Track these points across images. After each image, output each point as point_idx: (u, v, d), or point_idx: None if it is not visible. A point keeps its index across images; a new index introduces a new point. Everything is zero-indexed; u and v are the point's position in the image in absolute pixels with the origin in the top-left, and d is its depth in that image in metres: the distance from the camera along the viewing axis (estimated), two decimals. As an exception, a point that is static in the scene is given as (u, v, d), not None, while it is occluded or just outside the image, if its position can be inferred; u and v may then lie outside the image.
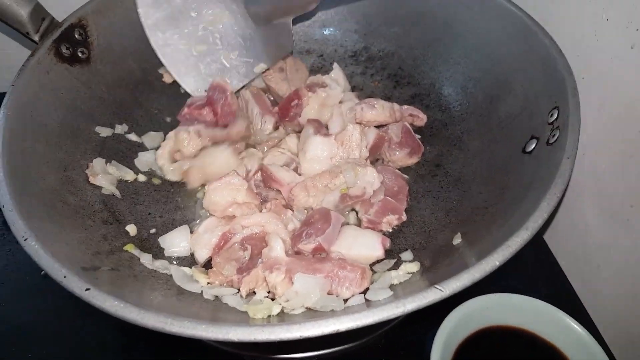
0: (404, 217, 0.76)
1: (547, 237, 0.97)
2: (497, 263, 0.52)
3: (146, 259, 0.69)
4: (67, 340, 0.80)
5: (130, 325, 0.79)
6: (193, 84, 0.90)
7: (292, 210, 0.77)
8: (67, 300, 0.83)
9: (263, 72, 0.94)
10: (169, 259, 0.73)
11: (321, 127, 0.83)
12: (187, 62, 0.88)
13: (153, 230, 0.77)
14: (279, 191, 0.78)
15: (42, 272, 0.87)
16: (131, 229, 0.75)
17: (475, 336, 0.73)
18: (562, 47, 0.75)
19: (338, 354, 0.77)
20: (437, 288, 0.50)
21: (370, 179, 0.75)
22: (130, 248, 0.70)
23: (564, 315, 0.72)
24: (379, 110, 0.85)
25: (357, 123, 0.84)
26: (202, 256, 0.70)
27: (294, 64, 0.97)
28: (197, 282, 0.67)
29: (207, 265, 0.71)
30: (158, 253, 0.73)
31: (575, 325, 0.71)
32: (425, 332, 0.78)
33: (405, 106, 0.90)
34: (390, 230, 0.76)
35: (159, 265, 0.69)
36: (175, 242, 0.73)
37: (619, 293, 0.81)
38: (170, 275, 0.68)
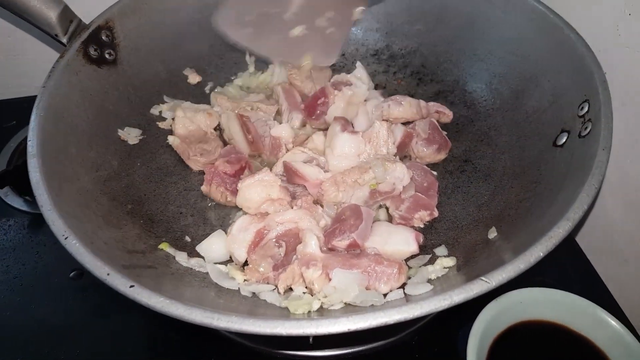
0: (436, 213, 0.76)
1: (574, 232, 0.96)
2: (541, 254, 0.52)
3: (181, 257, 0.70)
4: (96, 342, 0.80)
5: (160, 325, 0.81)
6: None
7: (322, 207, 0.77)
8: (95, 301, 0.85)
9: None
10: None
11: (348, 125, 0.83)
12: (286, 48, 0.88)
13: (188, 239, 0.76)
14: (304, 187, 0.78)
15: (71, 273, 0.89)
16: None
17: (510, 330, 0.73)
18: (585, 40, 0.75)
19: (371, 351, 0.77)
20: (483, 280, 0.50)
21: (399, 175, 0.76)
22: (165, 247, 0.71)
23: (597, 309, 0.72)
24: (405, 106, 0.85)
25: (384, 120, 0.84)
26: (240, 256, 0.70)
27: None
28: (234, 279, 0.67)
29: (244, 264, 0.71)
30: (192, 251, 0.73)
31: (609, 319, 0.71)
32: (456, 328, 0.78)
33: (432, 103, 0.90)
34: (422, 226, 0.76)
35: (195, 263, 0.70)
36: (214, 248, 0.72)
37: None
38: (206, 273, 0.68)
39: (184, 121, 0.86)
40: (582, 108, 0.70)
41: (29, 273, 0.89)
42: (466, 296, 0.49)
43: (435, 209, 0.76)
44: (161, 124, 0.90)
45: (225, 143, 0.89)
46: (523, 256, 0.52)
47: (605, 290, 0.86)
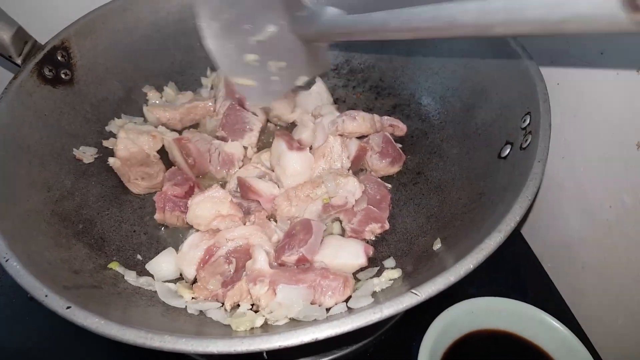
0: (387, 226, 0.77)
1: (530, 240, 0.98)
2: (471, 266, 0.53)
3: (130, 276, 0.70)
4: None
5: (125, 346, 0.80)
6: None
7: (276, 222, 0.78)
8: (53, 323, 0.84)
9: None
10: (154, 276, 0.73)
11: (292, 141, 0.83)
12: (238, 67, 0.87)
13: (139, 257, 0.76)
14: (258, 203, 0.79)
15: (28, 294, 0.89)
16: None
17: (462, 341, 0.74)
18: (536, 54, 0.77)
19: (326, 364, 0.78)
20: (413, 292, 0.51)
21: (351, 188, 0.77)
22: (114, 266, 0.71)
23: (548, 317, 0.74)
24: (360, 121, 0.86)
25: (338, 135, 0.85)
26: (190, 273, 0.71)
27: None
28: (182, 297, 0.68)
29: (195, 281, 0.72)
30: (143, 270, 0.73)
31: (560, 326, 0.73)
32: (412, 339, 0.78)
33: (386, 117, 0.92)
34: (374, 238, 0.77)
35: (144, 282, 0.70)
36: (163, 267, 0.72)
37: (603, 293, 0.82)
38: (155, 292, 0.68)
39: (125, 142, 0.86)
40: (525, 120, 0.72)
41: (-14, 295, 0.89)
42: (396, 309, 0.50)
43: (387, 222, 0.77)
44: (106, 142, 0.89)
45: (170, 165, 0.89)
46: (453, 268, 0.53)
47: (559, 297, 0.88)
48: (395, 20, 0.56)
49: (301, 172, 0.80)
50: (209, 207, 0.74)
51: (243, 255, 0.72)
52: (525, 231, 0.99)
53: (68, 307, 0.53)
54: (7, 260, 0.58)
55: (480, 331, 0.75)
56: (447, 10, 0.48)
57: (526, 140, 0.69)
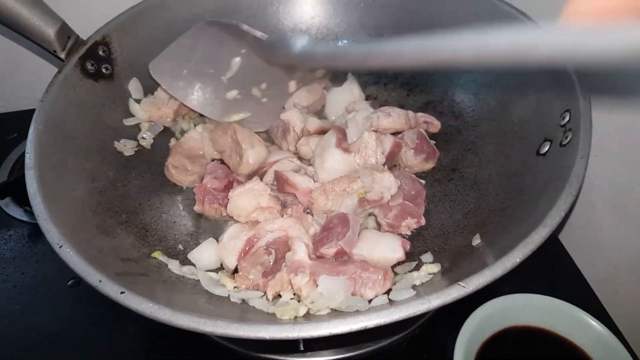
0: (423, 221, 0.78)
1: (563, 238, 0.98)
2: (518, 260, 0.53)
3: (174, 265, 0.72)
4: (94, 349, 0.82)
5: (157, 332, 0.83)
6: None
7: (312, 215, 0.79)
8: (93, 309, 0.87)
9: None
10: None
11: (344, 140, 0.84)
12: (226, 108, 0.89)
13: (181, 247, 0.78)
14: (295, 196, 0.80)
15: (69, 282, 0.91)
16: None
17: (497, 336, 0.74)
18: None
19: (362, 356, 0.79)
20: (460, 285, 0.52)
21: (387, 184, 0.77)
22: (158, 255, 0.73)
23: (583, 314, 0.73)
24: (394, 117, 0.87)
25: (373, 131, 0.86)
26: (231, 263, 0.72)
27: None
28: (224, 286, 0.69)
29: (235, 271, 0.73)
30: (185, 259, 0.75)
31: (595, 323, 0.73)
32: (447, 334, 0.79)
33: (420, 113, 0.92)
34: (409, 233, 0.78)
35: (186, 270, 0.72)
36: (205, 256, 0.74)
37: (635, 290, 0.82)
38: (198, 280, 0.70)
39: (196, 136, 0.90)
40: (564, 117, 0.72)
41: (28, 282, 0.91)
42: (444, 300, 0.51)
43: (422, 217, 0.78)
44: (142, 142, 0.91)
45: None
46: (500, 262, 0.53)
47: (593, 295, 0.88)
48: (376, 56, 0.53)
49: (338, 172, 0.81)
50: (249, 199, 0.75)
51: (282, 246, 0.73)
52: (557, 229, 0.99)
53: (122, 292, 0.55)
54: (60, 247, 0.60)
55: (516, 327, 0.75)
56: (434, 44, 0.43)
57: (566, 137, 0.69)
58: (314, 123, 0.92)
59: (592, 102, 0.70)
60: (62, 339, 0.83)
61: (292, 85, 0.91)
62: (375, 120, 0.87)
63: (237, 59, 0.78)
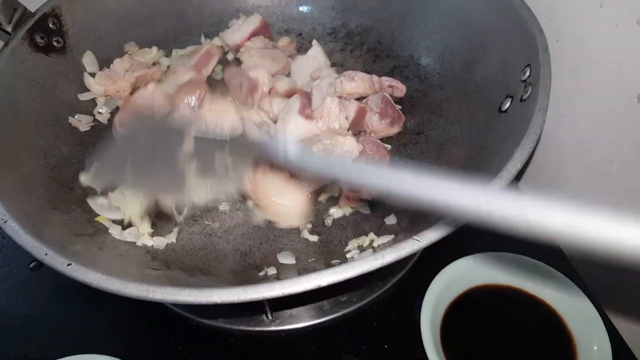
0: None
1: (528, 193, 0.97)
2: (474, 213, 0.52)
3: (115, 230, 0.70)
4: (57, 331, 0.80)
5: (122, 311, 0.81)
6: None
7: None
8: (55, 292, 0.85)
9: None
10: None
11: (308, 106, 0.82)
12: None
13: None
14: None
15: (30, 264, 0.89)
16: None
17: (465, 296, 0.74)
18: (534, 10, 0.75)
19: (330, 322, 0.78)
20: (414, 239, 0.50)
21: (349, 148, 0.76)
22: (102, 220, 0.71)
23: (549, 268, 0.74)
24: (358, 82, 0.85)
25: (337, 97, 0.84)
26: None
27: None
28: None
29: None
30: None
31: (560, 276, 0.73)
32: (416, 296, 0.78)
33: (385, 77, 0.90)
34: (370, 199, 0.77)
35: (127, 234, 0.71)
36: None
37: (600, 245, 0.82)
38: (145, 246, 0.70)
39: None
40: (525, 73, 0.71)
41: (-13, 266, 0.89)
42: (398, 255, 0.50)
43: None
44: (99, 117, 0.88)
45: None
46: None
47: (561, 253, 0.88)
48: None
49: (299, 137, 0.79)
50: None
51: None
52: (527, 189, 0.98)
53: (69, 264, 0.53)
54: (5, 222, 0.57)
55: (483, 286, 0.75)
56: None
57: (526, 91, 0.68)
58: (284, 84, 0.89)
59: (557, 61, 0.68)
60: (24, 323, 0.81)
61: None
62: (338, 86, 0.85)
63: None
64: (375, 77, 0.88)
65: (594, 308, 0.70)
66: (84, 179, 0.75)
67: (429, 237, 0.51)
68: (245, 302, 0.49)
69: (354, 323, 0.78)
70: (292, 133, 0.79)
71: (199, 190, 0.68)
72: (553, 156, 0.92)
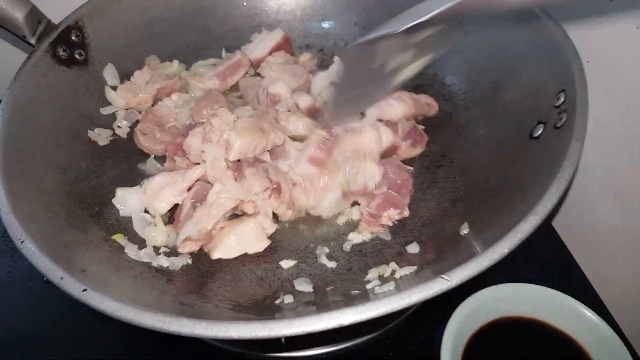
0: (406, 213, 0.74)
1: (557, 225, 0.94)
2: (506, 250, 0.50)
3: (131, 249, 0.69)
4: (71, 347, 0.80)
5: (138, 330, 0.80)
6: None
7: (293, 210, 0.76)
8: (69, 306, 0.84)
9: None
10: (156, 249, 0.72)
11: (318, 155, 0.76)
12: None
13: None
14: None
15: (44, 278, 0.88)
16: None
17: (487, 328, 0.72)
18: (565, 30, 0.72)
19: (346, 350, 0.76)
20: (443, 278, 0.48)
21: (371, 173, 0.73)
22: (118, 238, 0.70)
23: (576, 303, 0.71)
24: (409, 103, 0.82)
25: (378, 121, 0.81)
26: (161, 207, 0.74)
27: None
28: (156, 226, 0.72)
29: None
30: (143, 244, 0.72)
31: (589, 313, 0.70)
32: (435, 326, 0.75)
33: (422, 95, 0.87)
34: (391, 224, 0.74)
35: (143, 255, 0.69)
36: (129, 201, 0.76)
37: (633, 279, 0.79)
38: (157, 266, 0.68)
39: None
40: (559, 98, 0.68)
41: (2, 278, 0.88)
42: (425, 295, 0.48)
43: (406, 208, 0.74)
44: (118, 130, 0.88)
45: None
46: (487, 253, 0.50)
47: (588, 284, 0.85)
48: None
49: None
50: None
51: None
52: (552, 217, 0.95)
53: (84, 290, 0.52)
54: (22, 242, 0.57)
55: (506, 318, 0.73)
56: None
57: (560, 118, 0.65)
58: (305, 100, 0.87)
59: (588, 83, 0.66)
60: (34, 337, 0.81)
61: None
62: (386, 109, 0.82)
63: None
64: (413, 95, 0.86)
65: (623, 345, 0.66)
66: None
67: (458, 276, 0.48)
68: (262, 338, 0.47)
69: (370, 352, 0.76)
70: (299, 178, 0.76)
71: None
72: (578, 179, 0.88)
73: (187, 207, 0.74)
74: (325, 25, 1.04)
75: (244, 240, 0.69)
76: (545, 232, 0.93)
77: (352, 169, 0.72)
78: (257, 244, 0.70)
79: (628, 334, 0.77)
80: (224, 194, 0.70)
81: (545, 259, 0.89)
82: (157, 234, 0.72)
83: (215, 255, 0.68)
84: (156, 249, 0.71)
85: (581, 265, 0.87)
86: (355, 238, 0.73)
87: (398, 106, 0.82)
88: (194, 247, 0.70)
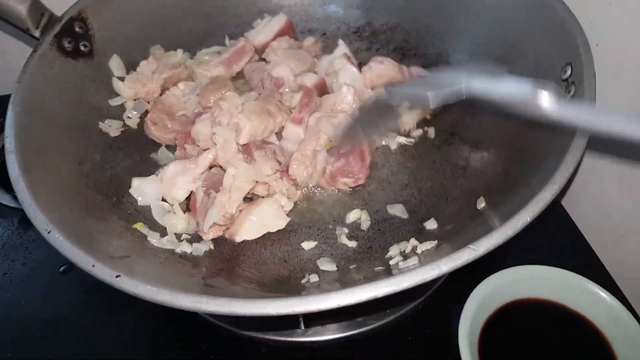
0: (361, 181, 0.77)
1: (570, 209, 0.95)
2: (528, 219, 0.51)
3: (153, 237, 0.70)
4: (88, 336, 0.81)
5: (151, 317, 0.81)
6: None
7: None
8: (85, 296, 0.85)
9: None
10: (178, 236, 0.72)
11: (301, 113, 0.81)
12: None
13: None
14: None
15: (61, 268, 0.89)
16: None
17: (503, 310, 0.72)
18: (574, 14, 0.73)
19: (363, 335, 0.78)
20: (470, 247, 0.49)
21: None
22: (140, 227, 0.71)
23: (591, 285, 0.71)
24: (387, 65, 0.85)
25: (352, 88, 0.82)
26: (179, 195, 0.75)
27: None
28: (175, 214, 0.73)
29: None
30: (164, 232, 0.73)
31: (604, 294, 0.70)
32: (451, 309, 0.77)
33: (415, 67, 0.89)
34: (349, 189, 0.78)
35: (165, 242, 0.70)
36: (147, 190, 0.76)
37: None
38: (181, 252, 0.69)
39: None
40: (565, 71, 0.69)
41: (18, 269, 0.89)
42: (454, 264, 0.49)
43: (362, 177, 0.76)
44: (128, 121, 0.87)
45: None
46: (509, 222, 0.51)
47: (601, 266, 0.86)
48: None
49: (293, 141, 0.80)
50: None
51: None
52: (563, 200, 0.96)
53: (117, 276, 0.52)
54: (49, 233, 0.57)
55: (522, 300, 0.73)
56: None
57: (569, 91, 0.66)
58: (311, 78, 0.88)
59: (597, 66, 0.66)
60: (52, 327, 0.82)
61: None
62: (367, 71, 0.84)
63: None
64: (404, 67, 0.87)
65: (638, 325, 0.67)
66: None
67: (485, 245, 0.49)
68: (299, 313, 0.48)
69: (388, 336, 0.77)
70: (288, 137, 0.80)
71: None
72: (589, 162, 0.90)
73: (200, 194, 0.74)
74: (328, 9, 1.04)
75: (264, 219, 0.70)
76: (559, 216, 0.94)
77: (329, 126, 0.76)
78: (277, 222, 0.72)
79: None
80: (240, 177, 0.71)
81: (559, 243, 0.90)
82: (177, 222, 0.72)
83: (239, 238, 0.70)
84: (178, 236, 0.72)
85: (594, 248, 0.89)
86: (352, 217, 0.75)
87: (377, 67, 0.85)
88: (218, 232, 0.71)
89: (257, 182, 0.73)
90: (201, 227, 0.71)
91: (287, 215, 0.73)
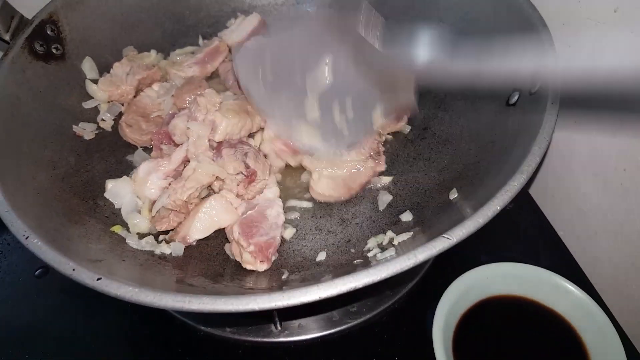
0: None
1: (542, 205, 0.97)
2: (498, 207, 0.54)
3: (132, 240, 0.70)
4: (63, 339, 0.80)
5: (128, 320, 0.80)
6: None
7: None
8: (61, 299, 0.85)
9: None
10: (156, 237, 0.72)
11: None
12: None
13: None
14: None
15: (36, 271, 0.87)
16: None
17: (477, 307, 0.74)
18: (546, 14, 0.75)
19: (340, 334, 0.79)
20: (444, 237, 0.51)
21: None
22: (117, 229, 0.71)
23: (564, 281, 0.73)
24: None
25: None
26: (152, 194, 0.74)
27: None
28: (142, 216, 0.73)
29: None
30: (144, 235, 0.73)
31: (573, 289, 0.72)
32: (426, 307, 0.78)
33: None
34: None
35: (144, 244, 0.70)
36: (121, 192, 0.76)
37: (617, 257, 0.82)
38: (160, 254, 0.69)
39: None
40: (531, 66, 0.72)
41: (-7, 275, 0.88)
42: (430, 253, 0.51)
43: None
44: (102, 124, 0.87)
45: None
46: (481, 211, 0.53)
47: (574, 263, 0.88)
48: None
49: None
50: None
51: None
52: (536, 197, 0.99)
53: (99, 279, 0.52)
54: (27, 238, 0.56)
55: (496, 297, 0.75)
56: None
57: (534, 85, 0.69)
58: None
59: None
60: (28, 331, 0.81)
61: (377, 116, 0.82)
62: None
63: (328, 60, 0.68)
64: None
65: (609, 321, 0.69)
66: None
67: (458, 234, 0.52)
68: (282, 308, 0.50)
69: (364, 334, 0.79)
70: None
71: (307, 133, 0.74)
72: (561, 160, 0.92)
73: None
74: (300, 7, 1.06)
75: (212, 215, 0.70)
76: (532, 212, 0.95)
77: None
78: (227, 217, 0.71)
79: (613, 310, 0.80)
80: (200, 169, 0.71)
81: (532, 239, 0.91)
82: (141, 221, 0.72)
83: (191, 238, 0.70)
84: (156, 237, 0.72)
85: (567, 245, 0.91)
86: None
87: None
88: (172, 223, 0.71)
89: (217, 178, 0.73)
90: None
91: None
